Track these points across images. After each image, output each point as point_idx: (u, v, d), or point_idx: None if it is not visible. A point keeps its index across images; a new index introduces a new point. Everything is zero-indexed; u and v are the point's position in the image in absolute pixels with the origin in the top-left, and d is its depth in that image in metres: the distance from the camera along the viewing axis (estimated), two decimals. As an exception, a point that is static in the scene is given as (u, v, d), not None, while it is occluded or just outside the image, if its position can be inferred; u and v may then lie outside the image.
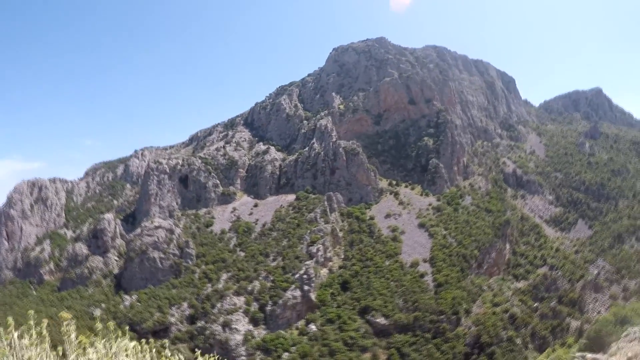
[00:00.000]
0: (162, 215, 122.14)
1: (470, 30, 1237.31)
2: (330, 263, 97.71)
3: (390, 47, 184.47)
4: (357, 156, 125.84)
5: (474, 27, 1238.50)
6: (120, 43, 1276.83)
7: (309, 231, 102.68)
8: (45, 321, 6.72)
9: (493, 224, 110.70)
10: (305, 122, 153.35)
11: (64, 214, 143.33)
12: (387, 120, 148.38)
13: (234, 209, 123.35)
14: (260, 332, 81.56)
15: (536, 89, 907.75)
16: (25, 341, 6.25)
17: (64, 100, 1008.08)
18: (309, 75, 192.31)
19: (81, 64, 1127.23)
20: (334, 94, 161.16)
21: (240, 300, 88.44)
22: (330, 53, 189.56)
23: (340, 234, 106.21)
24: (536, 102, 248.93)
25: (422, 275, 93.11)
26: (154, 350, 8.01)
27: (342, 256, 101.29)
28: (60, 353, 6.50)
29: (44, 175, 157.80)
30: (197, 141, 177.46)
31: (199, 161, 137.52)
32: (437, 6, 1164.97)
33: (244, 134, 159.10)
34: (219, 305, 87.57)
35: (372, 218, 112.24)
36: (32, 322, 6.43)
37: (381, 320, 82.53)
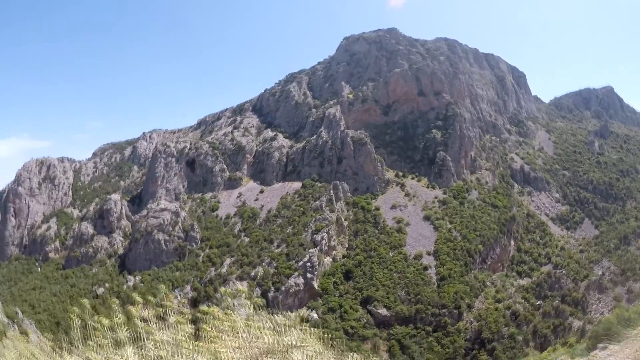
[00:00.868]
0: (168, 198, 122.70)
1: (482, 23, 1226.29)
2: (334, 252, 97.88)
3: (401, 38, 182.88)
4: (364, 146, 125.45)
5: (485, 20, 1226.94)
6: (130, 24, 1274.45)
7: (314, 219, 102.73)
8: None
9: (498, 220, 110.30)
10: (313, 110, 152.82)
11: (71, 193, 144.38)
12: (395, 111, 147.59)
13: (240, 194, 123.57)
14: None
15: (547, 85, 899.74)
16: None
17: (72, 81, 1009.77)
18: (318, 63, 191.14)
19: (91, 45, 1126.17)
20: (343, 83, 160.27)
21: (243, 285, 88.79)
22: (341, 42, 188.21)
23: (345, 224, 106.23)
24: (546, 98, 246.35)
25: (425, 268, 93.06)
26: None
27: (346, 245, 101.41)
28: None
29: (51, 154, 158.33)
30: (205, 125, 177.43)
31: (207, 145, 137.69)
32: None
33: (252, 120, 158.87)
34: (221, 289, 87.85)
35: (377, 208, 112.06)
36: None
37: (383, 311, 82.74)
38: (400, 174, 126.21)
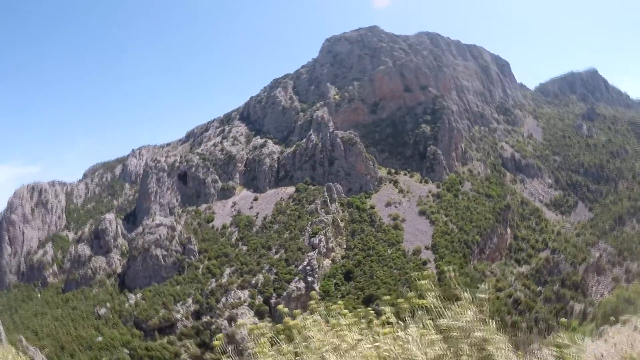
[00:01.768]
0: (162, 213, 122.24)
1: (462, 15, 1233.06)
2: (333, 253, 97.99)
3: (383, 35, 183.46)
4: (354, 146, 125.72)
5: (465, 11, 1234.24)
6: (110, 42, 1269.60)
7: (310, 222, 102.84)
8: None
9: (493, 209, 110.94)
10: (301, 113, 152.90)
11: (64, 216, 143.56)
12: (383, 109, 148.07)
13: (234, 203, 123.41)
14: (265, 326, 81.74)
15: (531, 72, 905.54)
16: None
17: (54, 103, 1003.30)
18: (302, 67, 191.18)
19: (73, 65, 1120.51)
20: (328, 84, 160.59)
21: (244, 294, 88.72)
22: (323, 44, 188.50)
23: (342, 224, 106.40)
24: (531, 85, 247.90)
25: (424, 263, 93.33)
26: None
27: (345, 246, 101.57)
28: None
29: (41, 179, 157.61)
30: (194, 137, 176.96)
31: (197, 157, 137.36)
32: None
33: (240, 129, 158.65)
34: (223, 299, 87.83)
35: (372, 207, 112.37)
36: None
37: (386, 308, 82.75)
38: (393, 170, 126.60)
